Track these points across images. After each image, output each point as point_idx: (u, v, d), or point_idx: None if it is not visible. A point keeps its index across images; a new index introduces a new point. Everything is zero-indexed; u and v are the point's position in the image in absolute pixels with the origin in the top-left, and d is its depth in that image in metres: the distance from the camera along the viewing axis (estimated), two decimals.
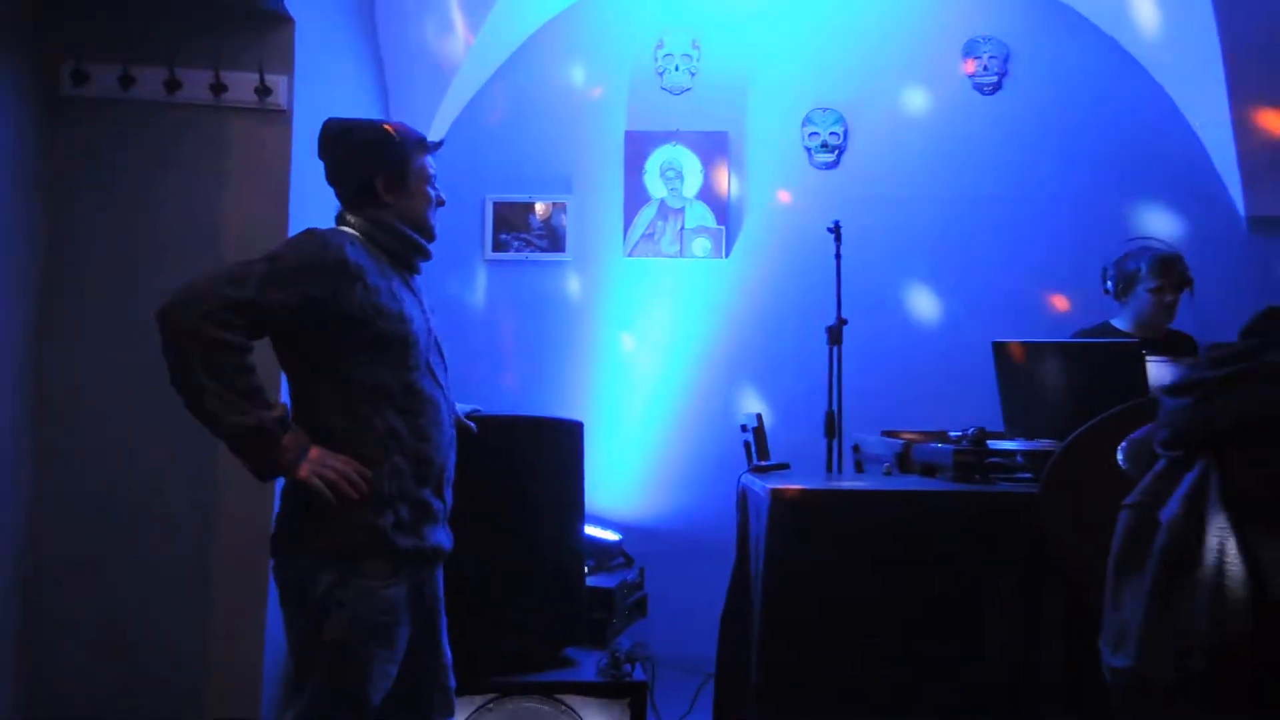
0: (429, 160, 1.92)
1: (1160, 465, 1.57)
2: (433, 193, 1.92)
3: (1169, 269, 2.93)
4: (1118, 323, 3.05)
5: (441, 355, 1.93)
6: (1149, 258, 2.95)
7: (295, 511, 1.76)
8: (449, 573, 2.00)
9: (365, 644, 1.71)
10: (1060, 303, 3.77)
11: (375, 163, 1.84)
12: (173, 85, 2.77)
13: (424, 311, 1.90)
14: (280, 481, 1.77)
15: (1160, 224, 3.80)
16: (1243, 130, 3.65)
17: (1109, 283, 3.05)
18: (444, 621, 1.94)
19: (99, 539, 2.73)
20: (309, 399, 1.76)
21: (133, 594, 2.73)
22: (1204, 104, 3.76)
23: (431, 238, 1.94)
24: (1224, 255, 3.72)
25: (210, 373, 1.60)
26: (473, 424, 2.34)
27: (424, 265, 1.96)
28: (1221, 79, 3.54)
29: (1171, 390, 1.57)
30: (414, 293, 1.89)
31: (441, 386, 1.89)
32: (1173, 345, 2.95)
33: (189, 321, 1.60)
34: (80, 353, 2.78)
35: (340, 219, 1.87)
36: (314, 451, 1.68)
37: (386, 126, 1.87)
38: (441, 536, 1.87)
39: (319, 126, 1.94)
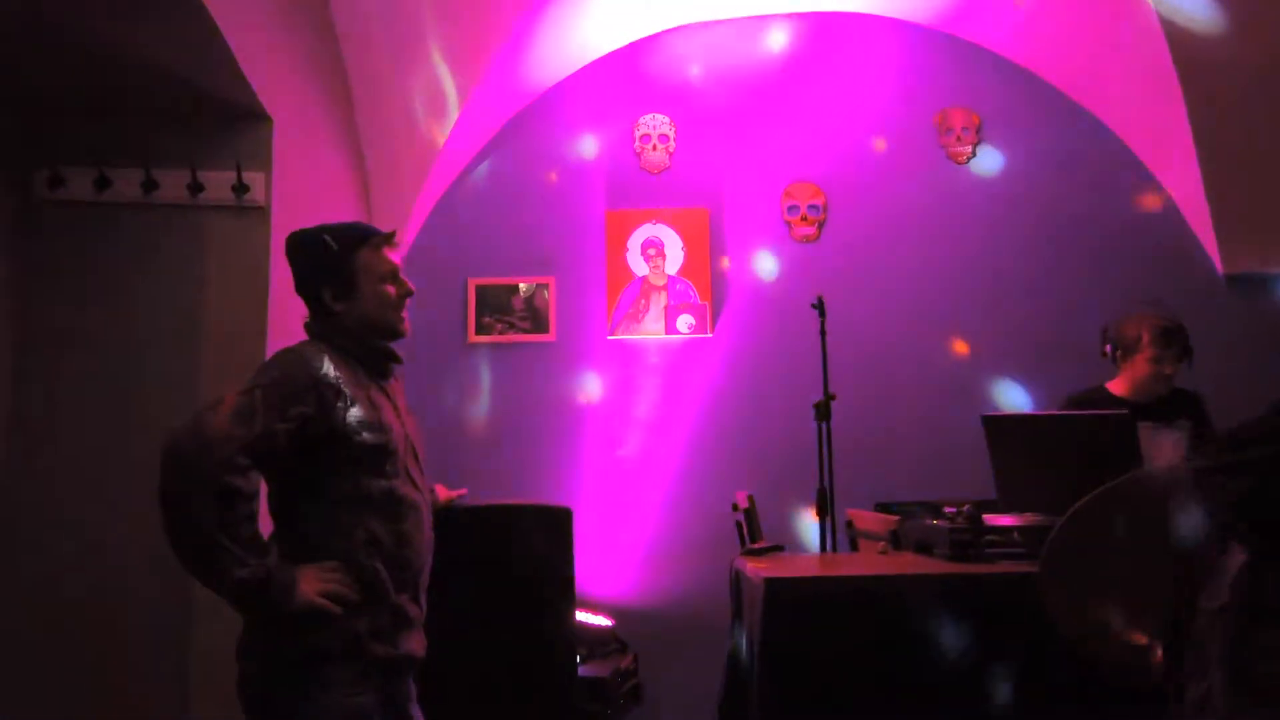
0: (379, 256, 1.86)
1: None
2: (391, 288, 1.86)
3: (1171, 340, 2.88)
4: (1112, 387, 2.99)
5: (418, 458, 1.90)
6: (1151, 327, 2.89)
7: (261, 616, 1.70)
8: (438, 666, 1.94)
9: None
10: (1045, 368, 3.76)
11: (319, 274, 1.82)
12: (149, 186, 2.78)
13: (399, 415, 1.87)
14: None
15: (1139, 284, 3.82)
16: (1214, 189, 3.70)
17: (1108, 346, 3.00)
18: None
19: (73, 636, 2.65)
20: (289, 510, 1.73)
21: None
22: (1175, 165, 3.82)
23: (398, 335, 1.88)
24: (1203, 313, 3.73)
25: (223, 527, 1.56)
26: (463, 491, 2.38)
27: (405, 351, 1.94)
28: (1189, 139, 3.61)
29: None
30: (388, 396, 1.87)
31: (420, 490, 1.87)
32: (1176, 404, 2.91)
33: (205, 471, 1.56)
34: (52, 457, 2.72)
35: (307, 327, 1.87)
36: (303, 573, 1.65)
37: (324, 234, 1.83)
38: (415, 644, 1.84)
39: (297, 222, 1.93)
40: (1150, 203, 3.94)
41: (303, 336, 1.84)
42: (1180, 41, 3.38)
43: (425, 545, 1.86)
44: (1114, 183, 3.95)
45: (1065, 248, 3.92)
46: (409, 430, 1.89)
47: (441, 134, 3.76)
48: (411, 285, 1.91)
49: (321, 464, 1.72)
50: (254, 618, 1.70)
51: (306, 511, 1.72)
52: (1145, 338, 2.88)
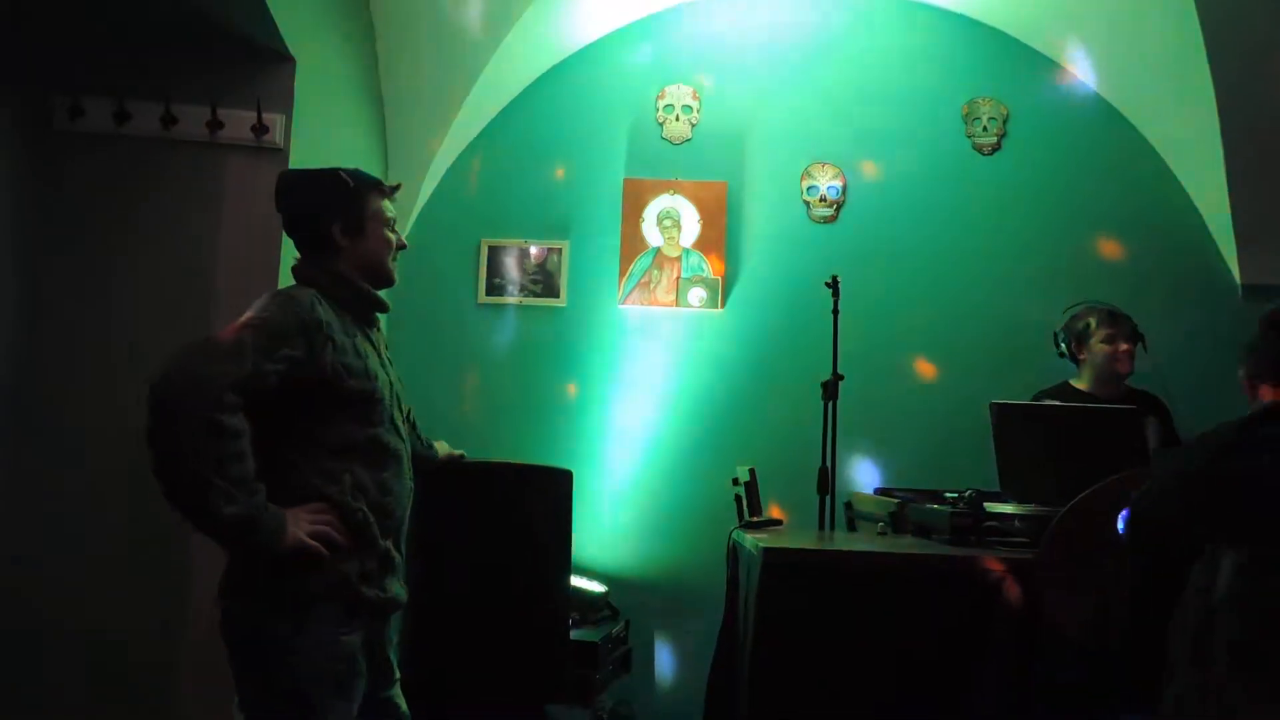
0: (386, 204, 1.92)
1: None
2: (392, 236, 1.92)
3: (1118, 319, 3.00)
4: (1076, 383, 3.08)
5: (402, 408, 1.91)
6: (1096, 311, 3.02)
7: (249, 556, 1.69)
8: (430, 623, 1.96)
9: (324, 696, 1.66)
10: (1056, 363, 3.74)
11: (331, 208, 1.83)
12: (168, 121, 2.77)
13: (385, 365, 1.89)
14: None
15: (1155, 289, 3.79)
16: (1239, 198, 3.67)
17: (1061, 345, 3.10)
18: (397, 675, 1.90)
19: (71, 549, 2.66)
20: (275, 455, 1.71)
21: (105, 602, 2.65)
22: (1200, 171, 3.78)
23: (391, 282, 1.93)
24: (1219, 322, 3.71)
25: (213, 464, 1.55)
26: (461, 452, 2.39)
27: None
28: (1218, 147, 3.57)
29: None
30: (374, 346, 1.88)
31: (404, 440, 1.89)
32: (1140, 403, 2.93)
33: (195, 408, 1.55)
34: (65, 377, 2.72)
35: (298, 272, 1.86)
36: (292, 514, 1.65)
37: (340, 172, 1.87)
38: (399, 589, 1.86)
39: (317, 164, 1.92)
40: (1173, 208, 3.90)
41: None
42: (1220, 48, 3.33)
43: (406, 494, 1.87)
44: (1138, 185, 3.91)
45: (1083, 246, 3.89)
46: (393, 379, 1.90)
47: (464, 91, 3.73)
48: (404, 241, 1.96)
49: (308, 409, 1.71)
50: (241, 557, 1.69)
51: (292, 458, 1.71)
52: (1094, 321, 2.99)
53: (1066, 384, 3.10)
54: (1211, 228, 3.86)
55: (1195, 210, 3.88)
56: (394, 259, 1.93)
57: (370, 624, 1.78)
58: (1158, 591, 1.67)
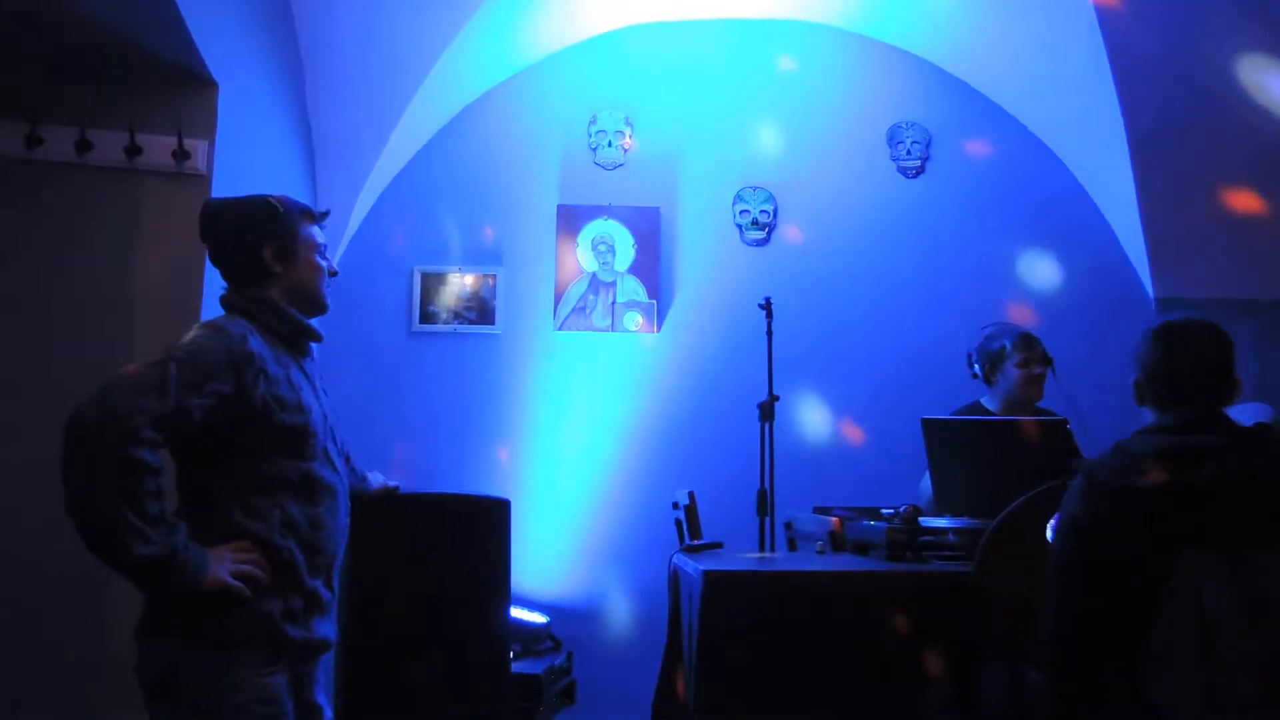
0: (316, 230, 1.88)
1: None
2: (323, 263, 1.88)
3: (1032, 343, 3.02)
4: (986, 401, 3.09)
5: (336, 440, 1.86)
6: (1011, 334, 3.03)
7: (167, 596, 1.62)
8: (367, 658, 1.89)
9: None
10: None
11: (261, 233, 1.79)
12: (83, 146, 2.67)
13: (319, 396, 1.84)
14: None
15: (1072, 303, 3.93)
16: (1150, 216, 3.83)
17: (975, 366, 3.11)
18: (328, 717, 1.83)
19: None
20: (201, 491, 1.65)
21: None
22: (1113, 191, 3.94)
23: (324, 309, 1.89)
24: (1133, 336, 3.83)
25: (126, 500, 1.48)
26: (396, 484, 2.33)
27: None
28: (1128, 166, 3.72)
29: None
30: (308, 377, 1.83)
31: (339, 473, 1.83)
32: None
33: (109, 442, 1.48)
34: None
35: (226, 302, 1.80)
36: (213, 554, 1.58)
37: (269, 198, 1.83)
38: (328, 629, 1.79)
39: (240, 193, 1.87)
40: (1088, 226, 4.05)
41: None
42: (1123, 68, 3.49)
43: (340, 530, 1.81)
44: (1055, 205, 4.06)
45: (1004, 264, 4.02)
46: (327, 411, 1.84)
47: (393, 118, 3.69)
48: (335, 268, 1.93)
49: (237, 444, 1.65)
50: (159, 597, 1.62)
51: (218, 493, 1.65)
52: (1008, 345, 3.00)
53: (978, 403, 3.14)
54: (1125, 245, 4.02)
55: (1109, 228, 4.04)
56: (326, 286, 1.88)
57: (296, 665, 1.72)
58: (1102, 597, 1.67)
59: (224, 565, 1.58)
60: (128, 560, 1.49)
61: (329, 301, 1.89)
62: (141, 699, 1.61)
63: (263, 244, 1.78)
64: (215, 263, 1.83)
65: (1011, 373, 2.99)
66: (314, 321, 1.87)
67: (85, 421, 1.49)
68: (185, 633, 1.60)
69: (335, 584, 1.81)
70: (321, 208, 1.95)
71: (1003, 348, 3.01)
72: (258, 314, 1.76)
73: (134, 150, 2.69)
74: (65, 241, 2.69)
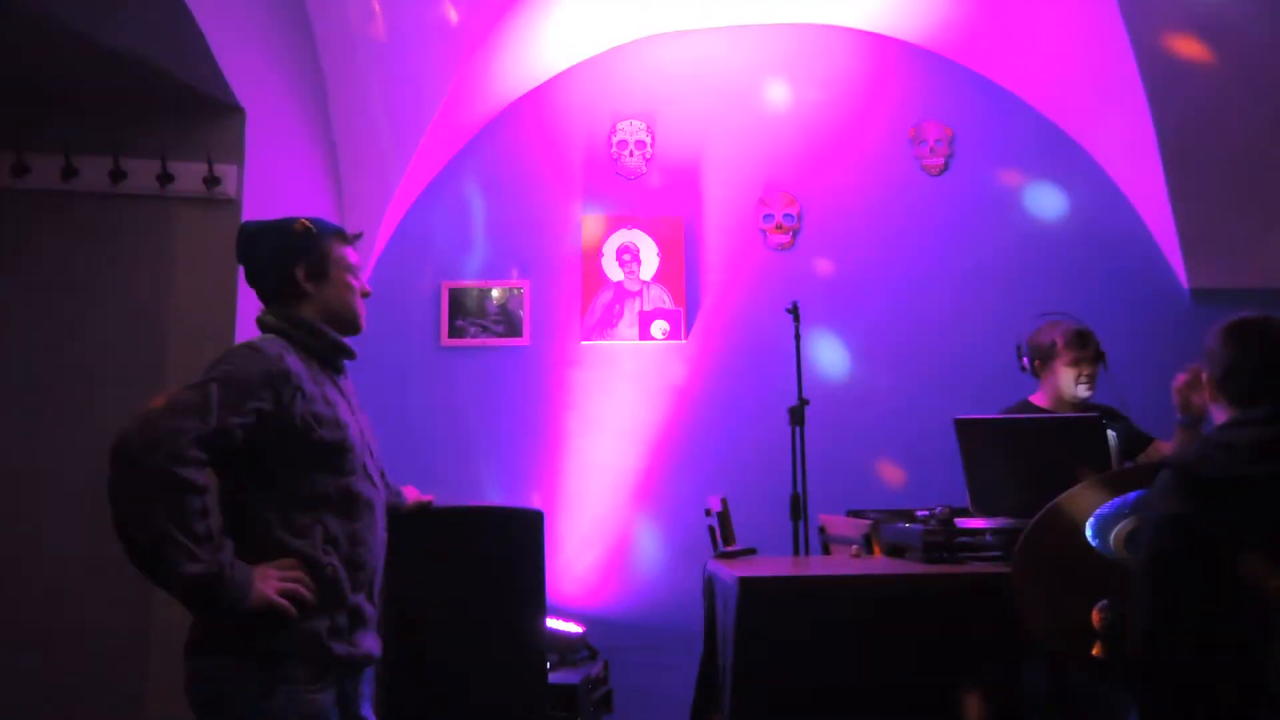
0: (349, 251, 1.91)
1: None
2: (355, 283, 1.91)
3: (1085, 341, 2.91)
4: (1036, 399, 3.01)
5: (373, 455, 1.89)
6: (1063, 331, 2.92)
7: (215, 614, 1.64)
8: (407, 670, 1.91)
9: None
10: (1011, 378, 3.79)
11: (294, 253, 1.83)
12: (117, 176, 2.73)
13: (354, 413, 1.87)
14: None
15: (1105, 297, 3.87)
16: (1180, 206, 3.78)
17: (1025, 359, 3.02)
18: None
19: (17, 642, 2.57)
20: (244, 509, 1.68)
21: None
22: (1142, 181, 3.89)
23: (358, 329, 1.91)
24: (1168, 327, 3.80)
25: (174, 520, 1.51)
26: (430, 497, 2.36)
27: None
28: (1156, 156, 3.68)
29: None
30: (343, 394, 1.86)
31: (377, 488, 1.86)
32: (1105, 417, 2.94)
33: (154, 463, 1.51)
34: (9, 449, 2.65)
35: (262, 322, 1.83)
36: (260, 571, 1.61)
37: (302, 220, 1.87)
38: (372, 643, 1.81)
39: (269, 216, 1.91)
40: (1118, 218, 4.00)
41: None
42: (1149, 59, 3.45)
43: (379, 544, 1.84)
44: (1083, 197, 4.02)
45: (1034, 260, 3.97)
46: (363, 426, 1.87)
47: (417, 136, 3.74)
48: (369, 287, 1.95)
49: (277, 461, 1.68)
50: (207, 616, 1.65)
51: (260, 511, 1.67)
52: (1060, 342, 2.90)
53: (1026, 401, 3.08)
54: (1157, 236, 3.96)
55: (1140, 220, 3.99)
56: (360, 304, 1.92)
57: (342, 680, 1.74)
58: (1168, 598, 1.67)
59: (269, 583, 1.60)
60: (176, 578, 1.52)
61: (363, 321, 1.92)
62: (189, 716, 1.64)
63: (296, 264, 1.82)
64: (250, 283, 1.87)
65: (1062, 371, 2.91)
66: (347, 340, 1.90)
67: (130, 444, 1.52)
68: (234, 651, 1.62)
69: (377, 598, 1.83)
70: (350, 227, 1.98)
71: (1054, 344, 2.91)
72: (293, 333, 1.79)
73: (166, 178, 2.75)
74: (102, 270, 2.75)
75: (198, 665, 1.65)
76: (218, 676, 1.63)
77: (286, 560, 1.65)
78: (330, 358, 1.85)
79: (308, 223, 1.86)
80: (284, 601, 1.61)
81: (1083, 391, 2.93)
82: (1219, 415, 1.83)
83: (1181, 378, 2.54)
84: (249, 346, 1.72)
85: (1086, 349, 2.92)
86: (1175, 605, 1.67)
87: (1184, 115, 3.58)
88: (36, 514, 2.66)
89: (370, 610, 1.79)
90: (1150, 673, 1.73)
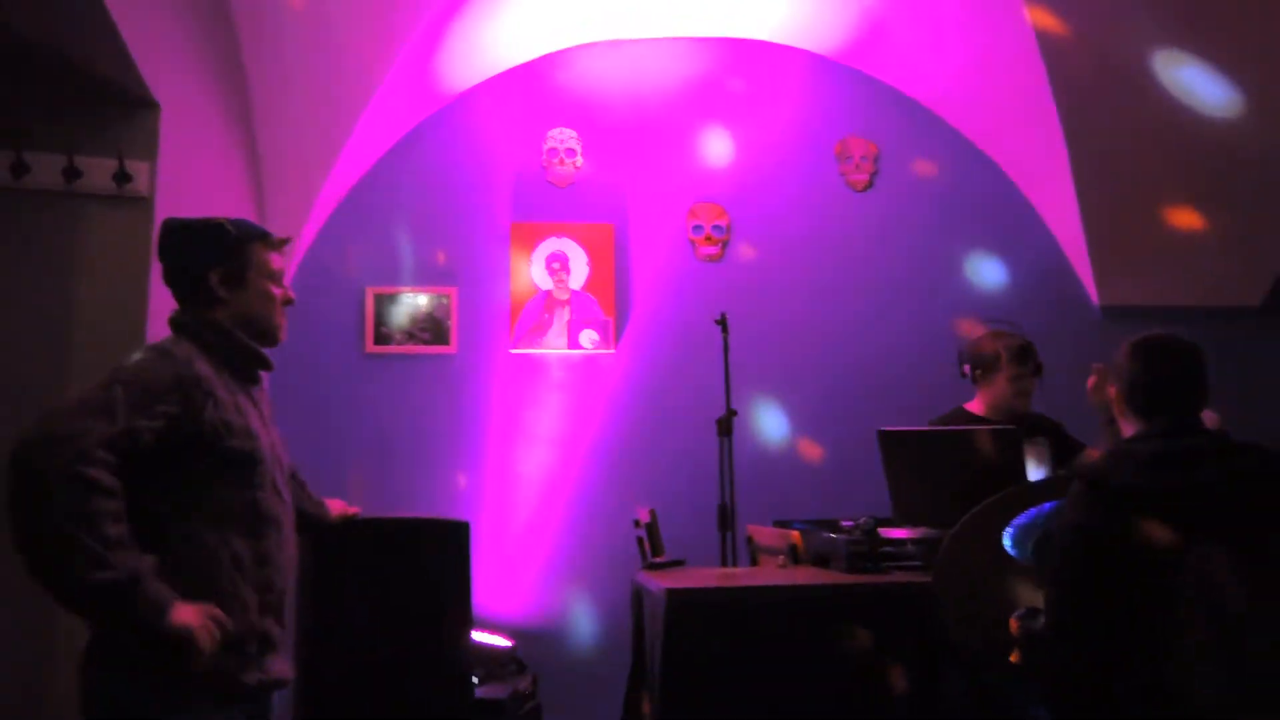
0: (272, 256, 1.82)
1: None
2: (277, 291, 1.82)
3: (1028, 356, 2.97)
4: (971, 407, 3.06)
5: (283, 470, 1.82)
6: (1007, 345, 2.97)
7: (104, 657, 1.56)
8: (329, 685, 1.85)
9: None
10: (932, 389, 3.89)
11: (210, 256, 1.74)
12: (19, 169, 2.59)
13: (266, 424, 1.79)
14: None
15: (1019, 314, 3.99)
16: (1091, 226, 3.93)
17: (965, 366, 3.05)
18: None
19: None
20: (146, 528, 1.57)
21: None
22: (1055, 201, 4.04)
23: (276, 340, 1.83)
24: (1079, 344, 3.93)
25: (79, 522, 1.41)
26: (356, 509, 2.29)
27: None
28: (1069, 175, 3.82)
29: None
30: (255, 405, 1.78)
31: (285, 503, 1.78)
32: (1033, 428, 3.02)
33: (58, 465, 1.42)
34: None
35: (174, 323, 1.74)
36: (177, 604, 1.51)
37: (224, 221, 1.79)
38: (282, 666, 1.74)
39: (185, 214, 1.83)
40: (1032, 234, 4.15)
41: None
42: (1061, 79, 3.59)
43: (289, 563, 1.77)
44: (999, 215, 4.15)
45: (952, 275, 4.09)
46: (274, 439, 1.80)
47: (343, 136, 3.65)
48: (292, 294, 1.86)
49: (183, 472, 1.60)
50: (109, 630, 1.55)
51: (166, 529, 1.58)
52: (1004, 356, 2.94)
53: (961, 409, 3.12)
54: (1068, 253, 4.12)
55: (1053, 239, 4.14)
56: (281, 314, 1.83)
57: (249, 706, 1.67)
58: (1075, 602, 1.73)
59: (188, 611, 1.50)
60: (82, 588, 1.41)
61: (283, 332, 1.83)
62: None
63: (209, 268, 1.74)
64: (166, 283, 1.79)
65: (1002, 384, 2.94)
66: (266, 350, 1.82)
67: (30, 447, 1.44)
68: (134, 668, 1.53)
69: (284, 618, 1.76)
70: (272, 230, 1.90)
71: (998, 357, 2.94)
72: (205, 337, 1.72)
73: (72, 173, 2.62)
74: (2, 268, 2.60)
75: (93, 678, 1.55)
76: (116, 694, 1.53)
77: (209, 607, 1.55)
78: (244, 366, 1.77)
79: (228, 225, 1.78)
80: (204, 634, 1.51)
81: (1021, 405, 2.99)
82: (1126, 429, 1.90)
83: (1091, 380, 2.63)
84: (157, 349, 1.65)
85: (1028, 364, 2.96)
86: (1080, 612, 1.73)
87: (1095, 138, 3.72)
88: None
89: (278, 632, 1.72)
90: (1058, 677, 1.78)
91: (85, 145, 2.64)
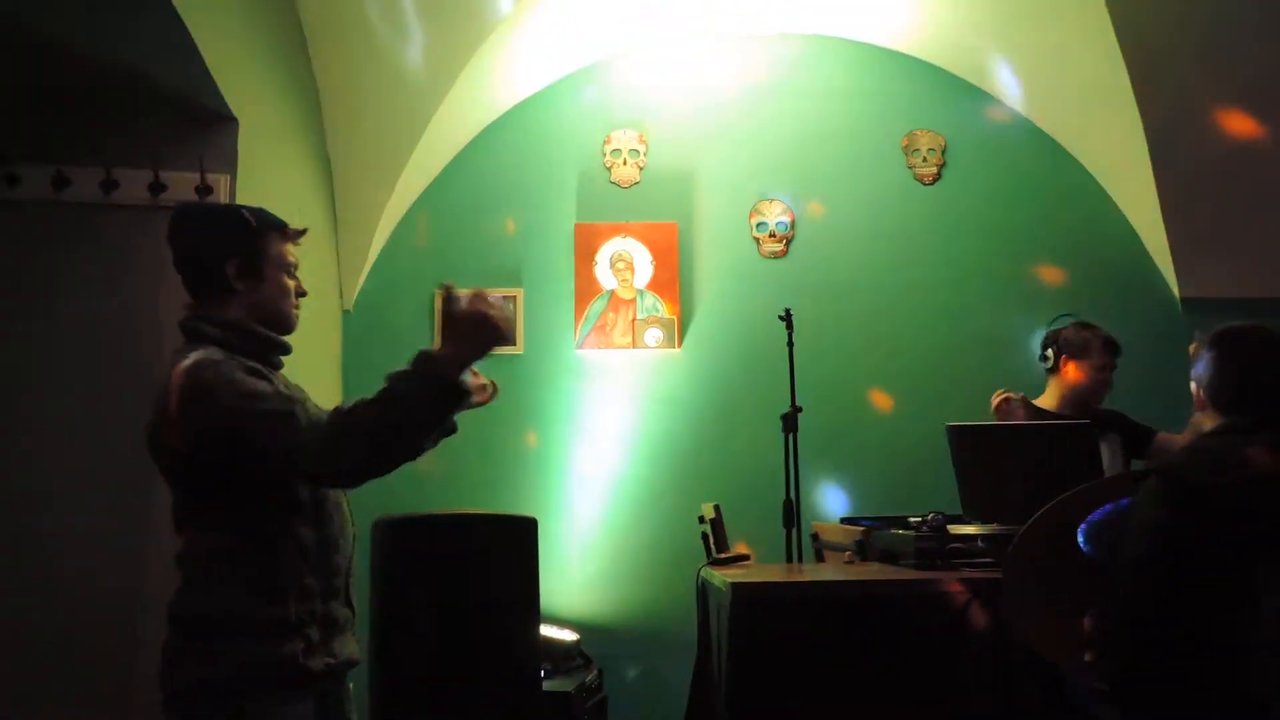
0: (289, 248, 1.78)
1: None
2: (291, 283, 1.78)
3: (1117, 351, 2.94)
4: (1042, 403, 2.98)
5: None
6: (1101, 337, 2.93)
7: (184, 645, 1.61)
8: (397, 680, 1.90)
9: None
10: (1006, 383, 3.81)
11: (229, 246, 1.69)
12: (109, 186, 2.73)
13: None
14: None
15: (1096, 306, 3.87)
16: (1171, 214, 3.80)
17: (1049, 350, 2.98)
18: None
19: (14, 643, 2.58)
20: (213, 526, 1.62)
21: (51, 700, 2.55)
22: (1134, 191, 3.91)
23: (290, 329, 1.79)
24: (1158, 337, 3.81)
25: (386, 423, 1.57)
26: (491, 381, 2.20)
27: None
28: (1148, 166, 3.70)
29: None
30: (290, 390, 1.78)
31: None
32: (1106, 423, 2.94)
33: (321, 445, 1.57)
34: (18, 455, 2.66)
35: (190, 327, 1.69)
36: (450, 336, 1.63)
37: (242, 209, 1.76)
38: (351, 647, 1.77)
39: None
40: (1109, 227, 4.02)
41: None
42: (1138, 66, 3.47)
43: (349, 544, 1.78)
44: (1074, 207, 4.04)
45: (1026, 269, 3.99)
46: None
47: (411, 145, 3.75)
48: (305, 288, 1.83)
49: (245, 469, 1.60)
50: (177, 674, 1.61)
51: (230, 519, 1.61)
52: (1095, 344, 2.91)
53: (1029, 404, 3.07)
54: (1148, 244, 3.98)
55: (1131, 228, 4.01)
56: (296, 306, 1.80)
57: (322, 689, 1.70)
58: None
59: (465, 339, 1.63)
60: (425, 428, 1.61)
61: (296, 322, 1.80)
62: None
63: (227, 259, 1.68)
64: (178, 270, 1.73)
65: (1086, 372, 2.91)
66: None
67: (313, 454, 1.56)
68: (210, 648, 1.58)
69: (351, 598, 1.78)
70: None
71: (1088, 344, 2.91)
72: (228, 340, 1.66)
73: (158, 187, 2.75)
74: (95, 282, 2.74)
75: (168, 699, 1.61)
76: (193, 670, 1.59)
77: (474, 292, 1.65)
78: (267, 356, 1.74)
79: (247, 214, 1.74)
80: (482, 307, 1.65)
81: (1099, 398, 2.94)
82: (1206, 423, 1.84)
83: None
84: (199, 362, 1.59)
85: (1116, 357, 2.94)
86: (1157, 611, 1.69)
87: (1177, 126, 3.60)
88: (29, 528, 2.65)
89: (344, 614, 1.74)
90: (1132, 677, 1.74)
91: (169, 161, 2.77)
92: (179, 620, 1.63)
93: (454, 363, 1.60)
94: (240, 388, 1.58)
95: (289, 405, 1.58)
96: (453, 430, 1.70)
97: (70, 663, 2.59)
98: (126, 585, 2.59)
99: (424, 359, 1.59)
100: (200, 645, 1.60)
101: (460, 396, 1.61)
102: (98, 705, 2.57)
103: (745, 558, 2.75)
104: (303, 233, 1.83)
